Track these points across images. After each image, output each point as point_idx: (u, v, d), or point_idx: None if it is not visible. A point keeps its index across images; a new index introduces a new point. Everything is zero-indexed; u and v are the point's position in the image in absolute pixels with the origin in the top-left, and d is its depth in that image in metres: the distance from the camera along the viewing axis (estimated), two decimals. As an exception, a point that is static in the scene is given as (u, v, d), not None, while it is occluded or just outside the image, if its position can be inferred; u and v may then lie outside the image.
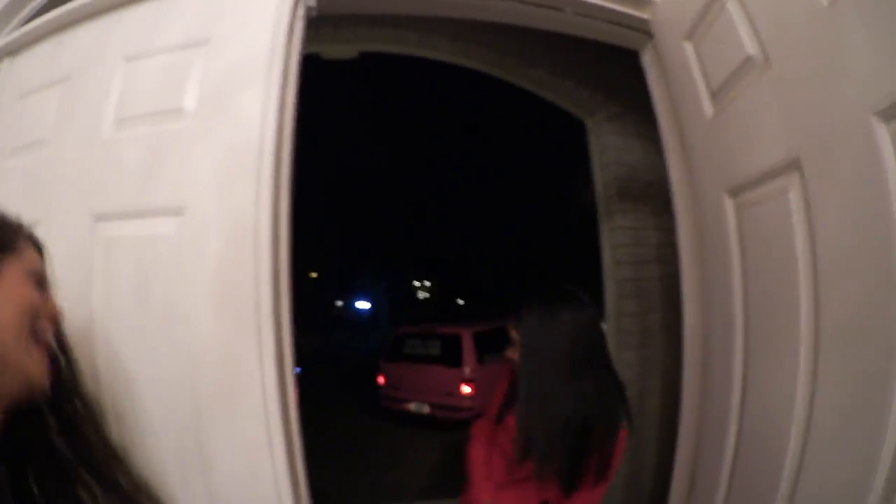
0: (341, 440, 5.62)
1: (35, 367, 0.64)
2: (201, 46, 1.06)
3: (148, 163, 0.99)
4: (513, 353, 1.35)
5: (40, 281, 0.69)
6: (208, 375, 0.93)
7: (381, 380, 6.91)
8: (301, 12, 1.12)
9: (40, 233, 0.78)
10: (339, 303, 30.65)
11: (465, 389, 5.85)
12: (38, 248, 0.73)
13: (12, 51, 1.46)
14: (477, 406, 5.53)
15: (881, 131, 0.72)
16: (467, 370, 5.94)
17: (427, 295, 31.16)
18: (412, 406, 6.37)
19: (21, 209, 0.83)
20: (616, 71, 1.82)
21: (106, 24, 1.25)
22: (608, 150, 2.21)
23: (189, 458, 0.94)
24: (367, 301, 30.53)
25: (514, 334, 1.34)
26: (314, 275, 24.46)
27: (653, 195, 2.08)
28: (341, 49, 1.29)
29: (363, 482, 4.40)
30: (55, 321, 0.70)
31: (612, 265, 2.10)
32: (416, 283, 30.67)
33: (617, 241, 2.10)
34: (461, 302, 26.43)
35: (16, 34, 1.46)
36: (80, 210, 1.01)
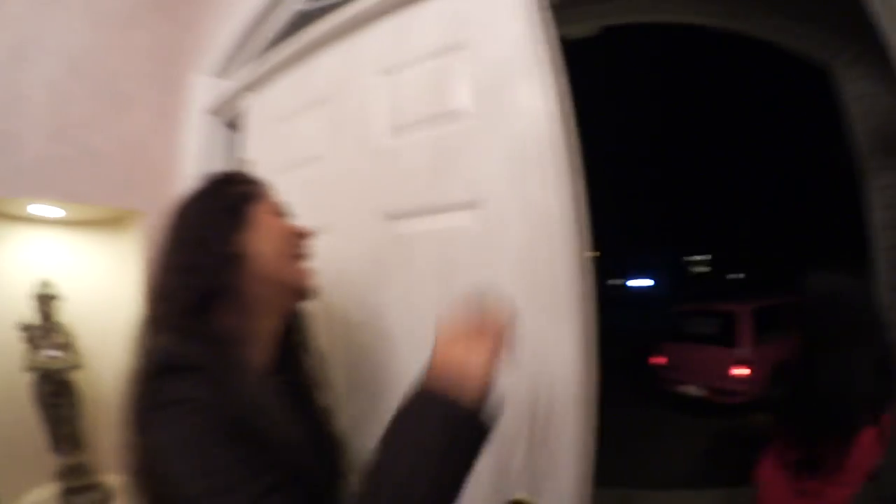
0: (615, 423, 5.71)
1: (302, 276, 0.83)
2: (459, 50, 1.10)
3: (433, 163, 1.04)
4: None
5: (281, 213, 0.86)
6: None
7: (659, 361, 6.70)
8: (546, 2, 1.13)
9: (334, 235, 0.87)
10: (617, 281, 31.14)
11: (742, 371, 5.48)
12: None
13: (253, 87, 1.64)
14: (752, 391, 5.30)
15: None
16: (742, 351, 5.59)
17: (705, 269, 29.88)
18: (690, 388, 6.10)
19: (306, 216, 0.93)
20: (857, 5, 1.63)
21: (346, 47, 1.35)
22: (863, 97, 1.95)
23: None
24: (645, 279, 30.68)
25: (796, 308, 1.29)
26: (595, 254, 25.39)
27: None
28: (584, 27, 1.29)
29: (629, 466, 4.44)
30: (305, 237, 0.86)
31: (881, 230, 1.85)
32: (694, 258, 29.75)
33: (886, 201, 1.85)
34: (740, 276, 24.86)
35: (254, 74, 1.64)
36: (369, 212, 1.10)
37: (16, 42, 1.94)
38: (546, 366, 0.92)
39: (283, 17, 1.79)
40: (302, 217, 0.91)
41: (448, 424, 0.60)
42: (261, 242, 0.77)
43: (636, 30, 2.01)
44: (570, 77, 1.05)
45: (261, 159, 1.54)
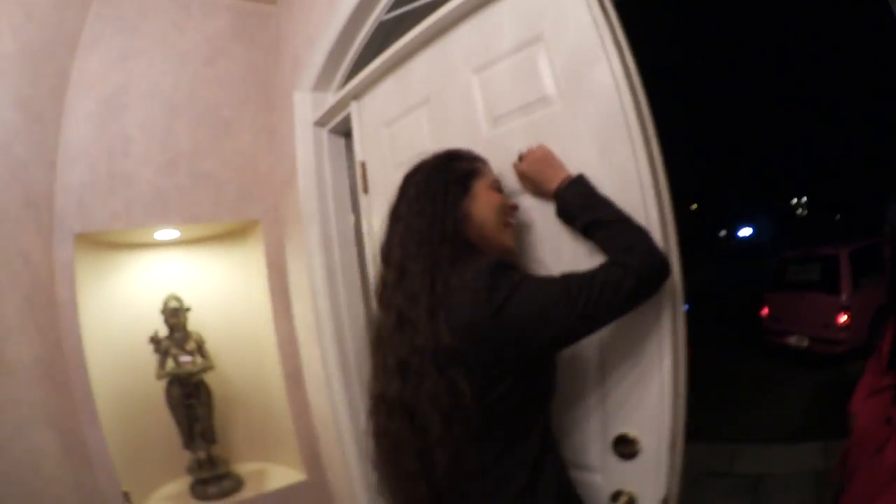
0: (721, 379, 5.82)
1: (508, 239, 1.13)
2: (537, 43, 1.29)
3: (533, 143, 1.25)
4: None
5: (498, 187, 1.16)
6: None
7: (764, 311, 6.66)
8: None
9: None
10: (723, 233, 31.03)
11: (842, 319, 5.39)
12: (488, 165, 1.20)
13: (356, 95, 1.90)
14: (853, 338, 5.24)
15: None
16: (844, 297, 5.48)
17: (804, 213, 29.14)
18: (793, 339, 6.07)
19: None
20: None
21: (436, 51, 1.58)
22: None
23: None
24: (749, 227, 30.42)
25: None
26: (695, 206, 25.22)
27: None
28: None
29: (733, 422, 4.65)
30: (514, 211, 1.18)
31: None
32: (794, 201, 29.04)
33: None
34: (838, 216, 24.08)
35: (355, 82, 1.89)
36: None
37: (110, 92, 2.33)
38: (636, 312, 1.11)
39: (365, 29, 2.04)
40: None
41: (584, 185, 1.11)
42: (480, 210, 1.08)
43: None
44: (642, 37, 1.21)
45: (372, 160, 1.81)
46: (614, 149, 1.14)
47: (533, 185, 1.22)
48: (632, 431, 1.17)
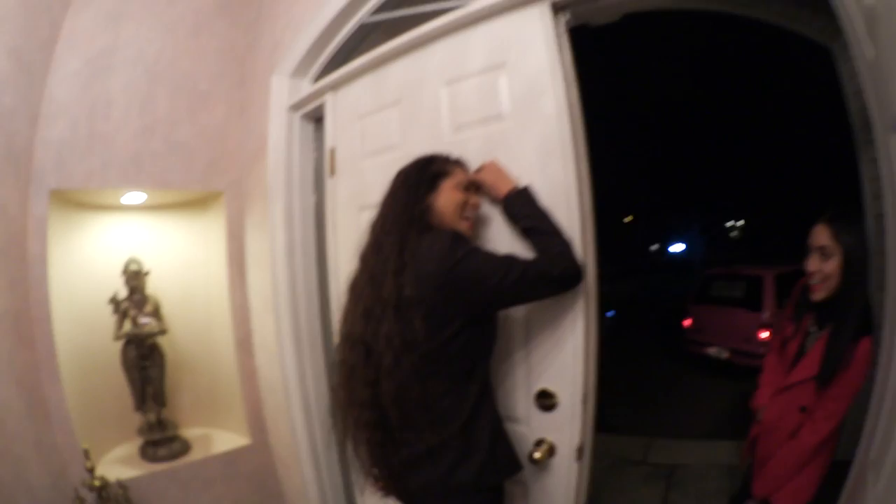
0: (641, 380, 6.48)
1: (463, 229, 1.41)
2: (501, 69, 1.58)
3: (485, 151, 1.53)
4: (820, 264, 1.54)
5: (466, 186, 1.45)
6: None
7: (686, 322, 7.16)
8: (562, 29, 1.60)
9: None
10: (655, 246, 31.69)
11: (763, 334, 5.81)
12: (462, 166, 1.50)
13: (333, 87, 2.14)
14: None
15: None
16: (766, 314, 5.90)
17: (739, 235, 30.71)
18: (713, 350, 6.53)
19: (381, 192, 1.46)
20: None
21: (413, 60, 1.84)
22: (853, 77, 2.11)
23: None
24: (682, 243, 31.20)
25: (828, 240, 1.52)
26: (629, 219, 25.47)
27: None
28: (606, 16, 1.72)
29: (650, 419, 5.13)
30: (475, 208, 1.47)
31: (871, 199, 1.99)
32: (728, 224, 30.48)
33: (871, 174, 2.04)
34: (770, 241, 25.19)
35: (334, 76, 2.14)
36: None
37: (97, 52, 2.43)
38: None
39: (348, 27, 2.27)
40: (383, 192, 1.47)
41: (530, 196, 1.41)
42: (442, 203, 1.39)
43: (655, 15, 2.37)
44: (603, 57, 1.52)
45: (342, 147, 2.06)
46: (550, 163, 1.45)
47: (487, 190, 1.51)
48: (551, 387, 1.48)
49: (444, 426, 1.27)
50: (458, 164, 1.50)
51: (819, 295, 1.57)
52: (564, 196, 1.43)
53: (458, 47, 1.72)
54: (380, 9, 2.17)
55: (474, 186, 1.49)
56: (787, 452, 1.63)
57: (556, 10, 1.58)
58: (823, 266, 1.54)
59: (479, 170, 1.52)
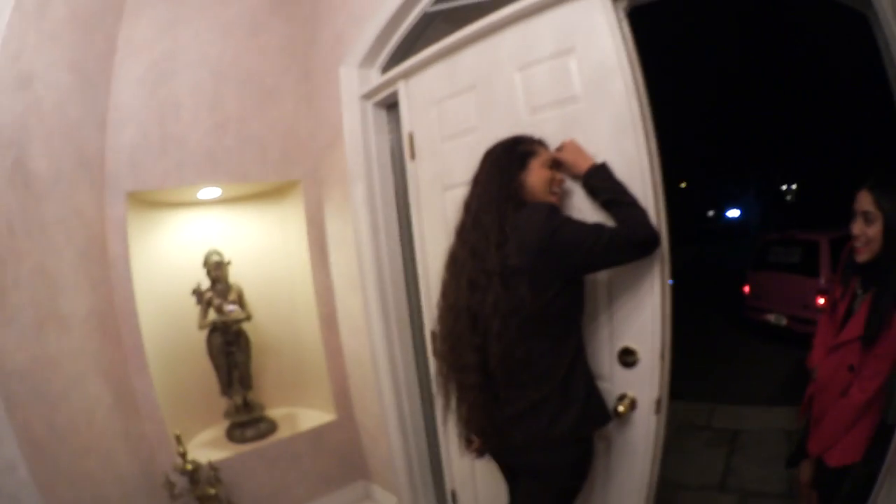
0: (703, 348, 6.51)
1: (551, 197, 1.58)
2: (570, 53, 1.73)
3: (562, 131, 1.70)
4: (864, 228, 1.63)
5: (553, 164, 1.61)
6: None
7: (746, 289, 7.23)
8: (622, 14, 1.74)
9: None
10: (711, 212, 31.58)
11: (821, 301, 5.71)
12: (546, 147, 1.66)
13: (405, 75, 2.32)
14: None
15: None
16: (823, 280, 5.85)
17: (793, 199, 29.75)
18: (772, 317, 6.59)
19: (464, 172, 1.64)
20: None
21: (483, 48, 2.00)
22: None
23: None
24: (737, 209, 31.07)
25: (871, 206, 1.60)
26: (684, 185, 25.48)
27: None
28: None
29: (713, 385, 5.24)
30: (560, 183, 1.62)
31: None
32: (784, 187, 29.73)
33: None
34: (826, 205, 24.95)
35: (405, 65, 2.31)
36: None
37: (158, 58, 2.60)
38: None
39: (411, 17, 2.44)
40: (466, 172, 1.66)
41: (609, 172, 1.56)
42: (532, 181, 1.55)
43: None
44: (655, 31, 1.64)
45: (420, 132, 2.25)
46: (622, 140, 1.61)
47: (568, 167, 1.66)
48: (632, 344, 1.67)
49: (545, 382, 1.45)
50: (541, 144, 1.65)
51: (863, 257, 1.69)
52: (638, 170, 1.59)
53: (527, 35, 1.87)
54: (441, -2, 2.33)
55: (557, 164, 1.64)
56: (838, 410, 1.74)
57: None
58: (867, 230, 1.64)
59: (560, 148, 1.67)
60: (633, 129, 1.60)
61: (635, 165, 1.59)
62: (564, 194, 1.71)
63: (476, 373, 1.48)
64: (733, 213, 31.07)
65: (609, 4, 1.67)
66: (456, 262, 1.55)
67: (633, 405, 1.68)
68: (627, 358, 1.68)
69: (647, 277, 1.62)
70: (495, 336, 1.43)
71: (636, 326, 1.66)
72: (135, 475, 2.29)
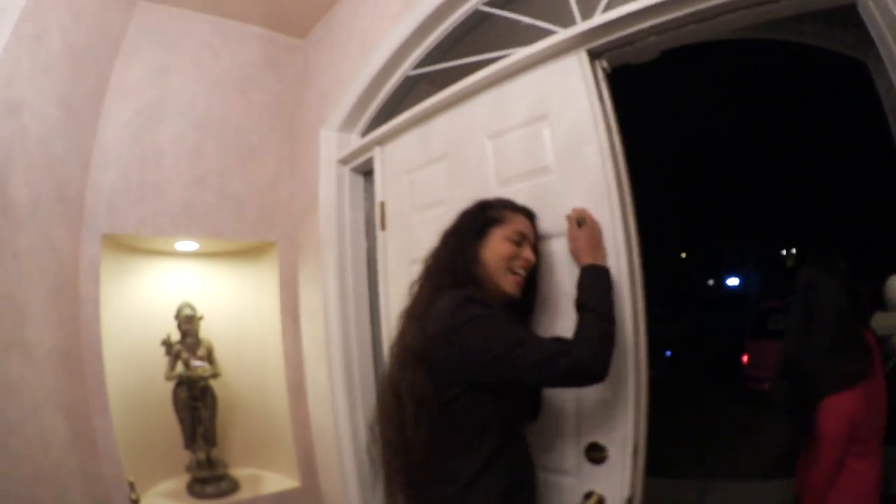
0: (698, 419, 6.52)
1: (507, 285, 1.40)
2: (544, 120, 1.68)
3: (532, 203, 1.60)
4: None
5: (519, 239, 1.44)
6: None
7: (744, 359, 7.14)
8: (601, 75, 1.68)
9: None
10: (711, 282, 31.66)
11: None
12: (528, 215, 1.53)
13: (380, 141, 2.29)
14: None
15: None
16: None
17: (793, 263, 29.95)
18: (768, 386, 6.40)
19: (431, 246, 1.53)
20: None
21: (457, 114, 1.98)
22: (889, 91, 2.23)
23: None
24: (737, 277, 31.10)
25: None
26: (684, 255, 25.65)
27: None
28: (644, 56, 1.79)
29: (707, 458, 5.16)
30: (525, 264, 1.43)
31: None
32: (784, 252, 29.91)
33: None
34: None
35: (380, 131, 2.29)
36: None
37: (146, 104, 2.64)
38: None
39: (392, 81, 2.44)
40: (427, 245, 1.54)
41: (604, 277, 1.38)
42: (488, 255, 1.39)
43: (692, 47, 2.45)
44: (644, 93, 1.59)
45: (391, 201, 2.20)
46: (597, 211, 1.52)
47: (576, 249, 1.48)
48: (601, 440, 1.52)
49: (447, 484, 1.28)
50: (521, 211, 1.52)
51: None
52: (612, 243, 1.50)
53: (501, 100, 1.84)
54: (422, 62, 2.33)
55: (528, 240, 1.48)
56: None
57: (593, 56, 1.67)
58: None
59: (581, 224, 1.49)
60: (607, 200, 1.53)
61: (609, 238, 1.51)
62: (552, 264, 1.60)
63: (399, 453, 1.32)
64: (733, 281, 31.02)
65: (587, 64, 1.65)
66: (398, 331, 1.43)
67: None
68: (596, 454, 1.53)
69: (620, 369, 1.48)
70: (410, 421, 1.28)
71: (606, 421, 1.52)
72: (88, 514, 2.21)
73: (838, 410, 1.83)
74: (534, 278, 1.55)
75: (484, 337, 1.23)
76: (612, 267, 1.46)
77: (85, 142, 2.44)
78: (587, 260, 1.42)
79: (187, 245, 2.97)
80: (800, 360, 2.00)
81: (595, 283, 1.38)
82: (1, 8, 1.85)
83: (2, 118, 1.88)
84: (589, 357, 1.24)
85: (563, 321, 1.54)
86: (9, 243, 1.96)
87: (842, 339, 1.90)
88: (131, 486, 2.33)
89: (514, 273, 1.42)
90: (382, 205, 2.25)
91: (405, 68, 2.38)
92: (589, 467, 1.54)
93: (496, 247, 1.41)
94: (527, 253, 1.45)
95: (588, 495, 1.52)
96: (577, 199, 1.57)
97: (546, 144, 1.68)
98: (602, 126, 1.58)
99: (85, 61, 2.37)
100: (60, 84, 2.22)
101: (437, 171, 2.00)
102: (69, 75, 2.27)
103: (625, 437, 1.48)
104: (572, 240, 1.49)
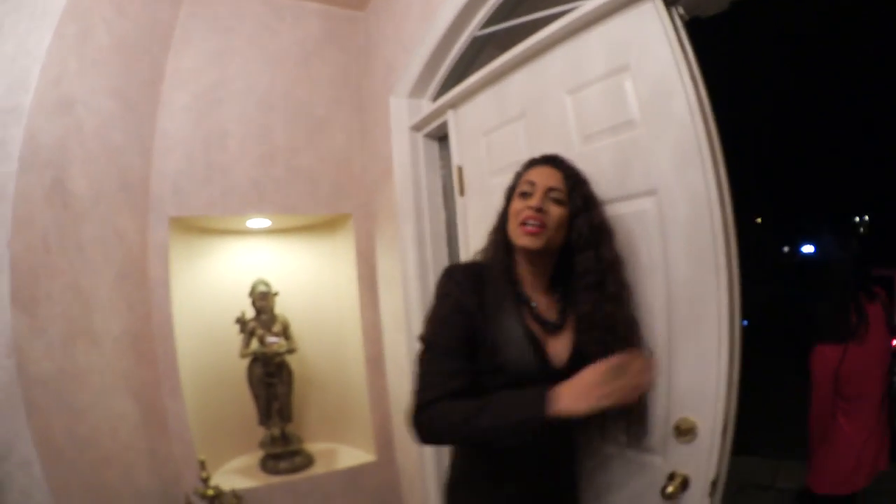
0: (773, 396, 6.17)
1: (520, 239, 1.39)
2: (624, 71, 1.61)
3: (619, 162, 1.58)
4: None
5: (529, 190, 1.43)
6: (681, 306, 1.49)
7: None
8: (679, 23, 1.58)
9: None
10: (786, 248, 31.41)
11: None
12: (549, 163, 1.53)
13: (453, 104, 2.26)
14: None
15: None
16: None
17: (867, 231, 28.96)
18: None
19: None
20: None
21: (532, 70, 1.92)
22: None
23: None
24: (812, 244, 30.69)
25: None
26: (759, 220, 25.65)
27: None
28: (716, 6, 1.68)
29: (780, 438, 4.87)
30: (530, 217, 1.38)
31: None
32: (857, 219, 29.05)
33: None
34: None
35: (452, 94, 2.25)
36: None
37: (206, 88, 2.72)
38: (699, 309, 1.44)
39: (460, 43, 2.39)
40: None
41: (527, 421, 1.16)
42: (509, 216, 1.46)
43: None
44: (717, 53, 1.49)
45: (469, 165, 2.18)
46: (688, 170, 1.45)
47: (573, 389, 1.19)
48: (692, 416, 1.47)
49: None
50: (539, 162, 1.54)
51: None
52: (706, 204, 1.42)
53: (577, 53, 1.77)
54: (489, 21, 2.27)
55: (539, 188, 1.42)
56: None
57: (668, 2, 1.56)
58: None
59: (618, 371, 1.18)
60: (699, 158, 1.44)
61: (702, 200, 1.43)
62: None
63: None
64: (808, 248, 29.68)
65: (663, 11, 1.54)
66: None
67: (684, 486, 1.46)
68: (684, 432, 1.47)
69: (715, 340, 1.42)
70: None
71: (698, 395, 1.46)
72: (155, 493, 2.33)
73: (824, 358, 2.60)
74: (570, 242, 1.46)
75: (428, 317, 1.41)
76: (706, 229, 1.40)
77: (144, 129, 2.53)
78: (566, 405, 1.14)
79: (259, 222, 3.07)
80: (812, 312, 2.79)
81: (528, 414, 1.17)
82: (41, 11, 1.90)
83: (54, 116, 1.95)
84: (429, 419, 1.29)
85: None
86: (72, 235, 2.04)
87: (842, 303, 2.62)
88: (202, 464, 2.42)
89: (524, 226, 1.38)
90: (460, 169, 2.24)
91: (472, 28, 2.32)
92: (676, 446, 1.50)
93: (512, 206, 1.46)
94: (532, 201, 1.39)
95: (671, 477, 1.48)
96: (665, 156, 1.50)
97: (629, 97, 1.60)
98: (687, 77, 1.48)
99: (135, 53, 2.41)
100: (112, 77, 2.26)
101: (515, 131, 1.96)
102: (120, 68, 2.32)
103: (716, 412, 1.42)
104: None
